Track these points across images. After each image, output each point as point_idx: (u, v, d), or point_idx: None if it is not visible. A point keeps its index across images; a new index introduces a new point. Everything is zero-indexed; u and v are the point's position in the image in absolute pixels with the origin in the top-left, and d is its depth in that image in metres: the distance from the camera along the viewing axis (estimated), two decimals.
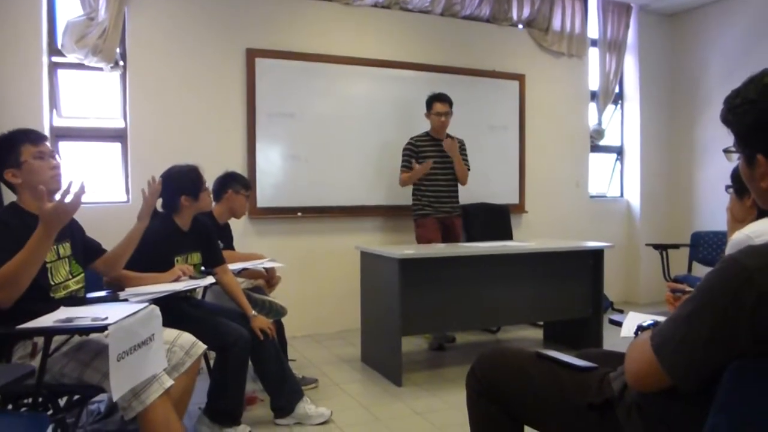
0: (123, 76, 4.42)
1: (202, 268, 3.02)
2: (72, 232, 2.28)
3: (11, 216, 2.11)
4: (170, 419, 2.00)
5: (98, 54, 4.16)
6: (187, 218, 2.97)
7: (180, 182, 2.91)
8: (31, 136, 2.19)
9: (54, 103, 4.27)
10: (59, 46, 4.16)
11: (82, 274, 2.31)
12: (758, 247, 1.13)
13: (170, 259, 2.82)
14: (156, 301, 2.15)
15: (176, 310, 2.65)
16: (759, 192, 1.23)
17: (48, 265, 2.10)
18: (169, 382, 2.03)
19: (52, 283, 2.13)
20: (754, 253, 1.10)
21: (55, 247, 2.12)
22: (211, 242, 3.10)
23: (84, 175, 1.84)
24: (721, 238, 4.78)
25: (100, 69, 4.28)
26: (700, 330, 1.11)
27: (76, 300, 2.19)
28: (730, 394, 1.11)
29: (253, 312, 3.02)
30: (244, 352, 2.78)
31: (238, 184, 3.62)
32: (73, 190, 1.93)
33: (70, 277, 2.23)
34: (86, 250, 2.40)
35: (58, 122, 4.29)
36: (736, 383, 1.10)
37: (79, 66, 4.24)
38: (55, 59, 4.24)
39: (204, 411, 2.79)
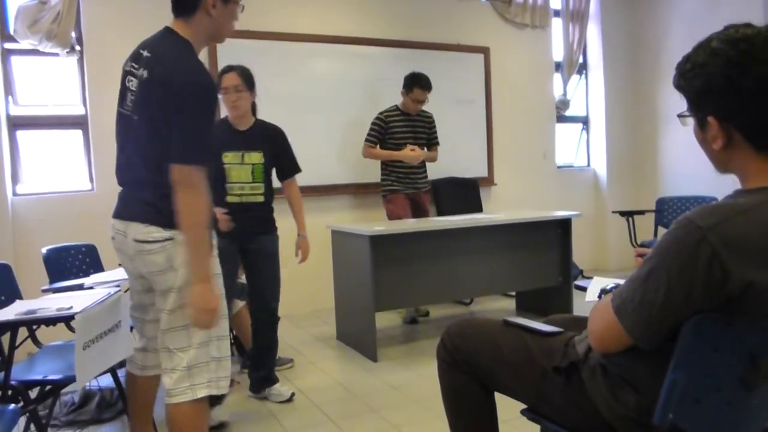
0: (80, 61, 4.31)
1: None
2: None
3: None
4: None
5: (53, 39, 4.04)
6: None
7: None
8: None
9: (9, 91, 4.14)
10: (11, 32, 4.02)
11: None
12: (711, 206, 1.16)
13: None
14: None
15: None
16: (712, 155, 1.26)
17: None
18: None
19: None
20: (707, 212, 1.13)
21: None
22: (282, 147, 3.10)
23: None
24: (684, 203, 4.89)
25: (56, 54, 4.15)
26: (657, 289, 1.14)
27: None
28: (687, 350, 1.15)
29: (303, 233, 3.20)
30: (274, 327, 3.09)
31: None
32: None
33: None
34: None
35: (15, 111, 4.16)
36: (693, 339, 1.14)
37: (34, 52, 4.11)
38: (7, 46, 4.11)
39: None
